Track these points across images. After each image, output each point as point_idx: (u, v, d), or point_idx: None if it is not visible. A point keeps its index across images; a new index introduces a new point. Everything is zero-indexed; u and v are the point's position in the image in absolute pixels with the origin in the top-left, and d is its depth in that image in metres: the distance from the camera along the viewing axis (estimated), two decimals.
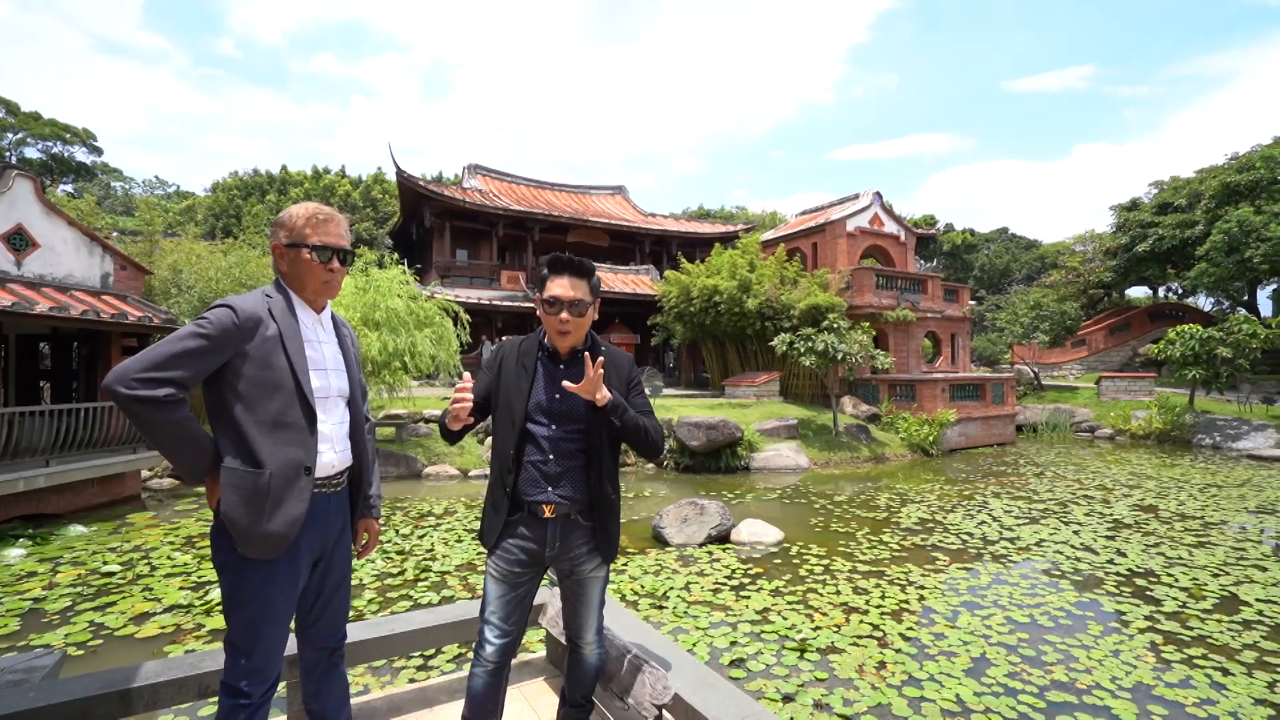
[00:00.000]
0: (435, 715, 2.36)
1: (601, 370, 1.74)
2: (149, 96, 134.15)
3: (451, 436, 1.90)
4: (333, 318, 1.86)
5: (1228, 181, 22.44)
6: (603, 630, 2.04)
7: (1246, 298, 24.73)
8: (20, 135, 33.73)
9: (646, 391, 2.01)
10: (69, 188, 35.08)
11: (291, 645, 1.90)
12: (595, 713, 2.15)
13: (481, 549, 6.42)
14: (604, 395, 1.76)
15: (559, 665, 2.69)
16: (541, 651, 2.82)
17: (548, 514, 1.81)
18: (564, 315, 1.80)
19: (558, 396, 1.85)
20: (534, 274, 1.92)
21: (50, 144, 35.23)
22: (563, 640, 2.13)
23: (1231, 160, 24.25)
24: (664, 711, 1.82)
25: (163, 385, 1.43)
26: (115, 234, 17.99)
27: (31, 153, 34.43)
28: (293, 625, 1.82)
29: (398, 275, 12.11)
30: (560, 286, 1.81)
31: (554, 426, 1.84)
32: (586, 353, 1.85)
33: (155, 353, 1.46)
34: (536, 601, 2.61)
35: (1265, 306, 25.81)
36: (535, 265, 1.92)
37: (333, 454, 1.72)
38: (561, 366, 1.88)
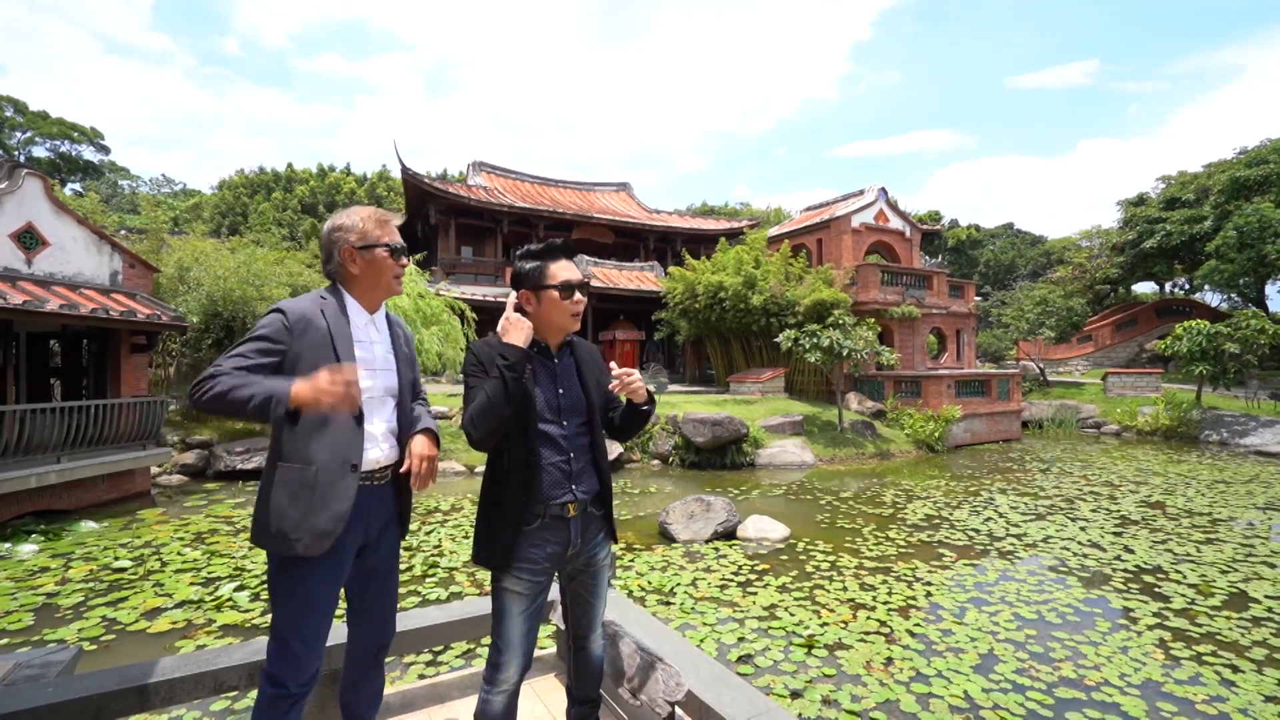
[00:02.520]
0: (447, 710, 2.38)
1: (636, 376, 1.80)
2: (155, 96, 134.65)
3: (492, 433, 1.72)
4: (388, 317, 1.91)
5: (1237, 176, 22.25)
6: (604, 621, 2.05)
7: (1255, 293, 24.54)
8: (29, 134, 33.92)
9: (651, 388, 2.04)
10: (77, 186, 35.28)
11: (339, 634, 2.00)
12: (607, 709, 2.16)
13: None
14: (645, 393, 1.83)
15: None
16: (551, 648, 2.83)
17: (571, 512, 1.79)
18: (578, 297, 1.80)
19: (561, 392, 1.83)
20: (517, 272, 1.85)
21: (58, 143, 35.44)
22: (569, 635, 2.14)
23: (1240, 155, 24.05)
24: (676, 708, 1.83)
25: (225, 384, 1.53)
26: (123, 231, 18.08)
27: (39, 151, 34.63)
28: (343, 615, 1.92)
29: (412, 273, 12.19)
30: (566, 270, 1.81)
31: (565, 423, 1.81)
32: (611, 362, 1.89)
33: (225, 363, 1.56)
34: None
35: (1274, 302, 25.67)
36: (516, 259, 1.90)
37: (378, 451, 1.77)
38: (556, 361, 1.86)
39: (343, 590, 1.84)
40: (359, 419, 1.73)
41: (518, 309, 1.78)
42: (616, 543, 2.00)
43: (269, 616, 4.99)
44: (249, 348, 1.60)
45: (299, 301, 1.71)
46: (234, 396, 1.48)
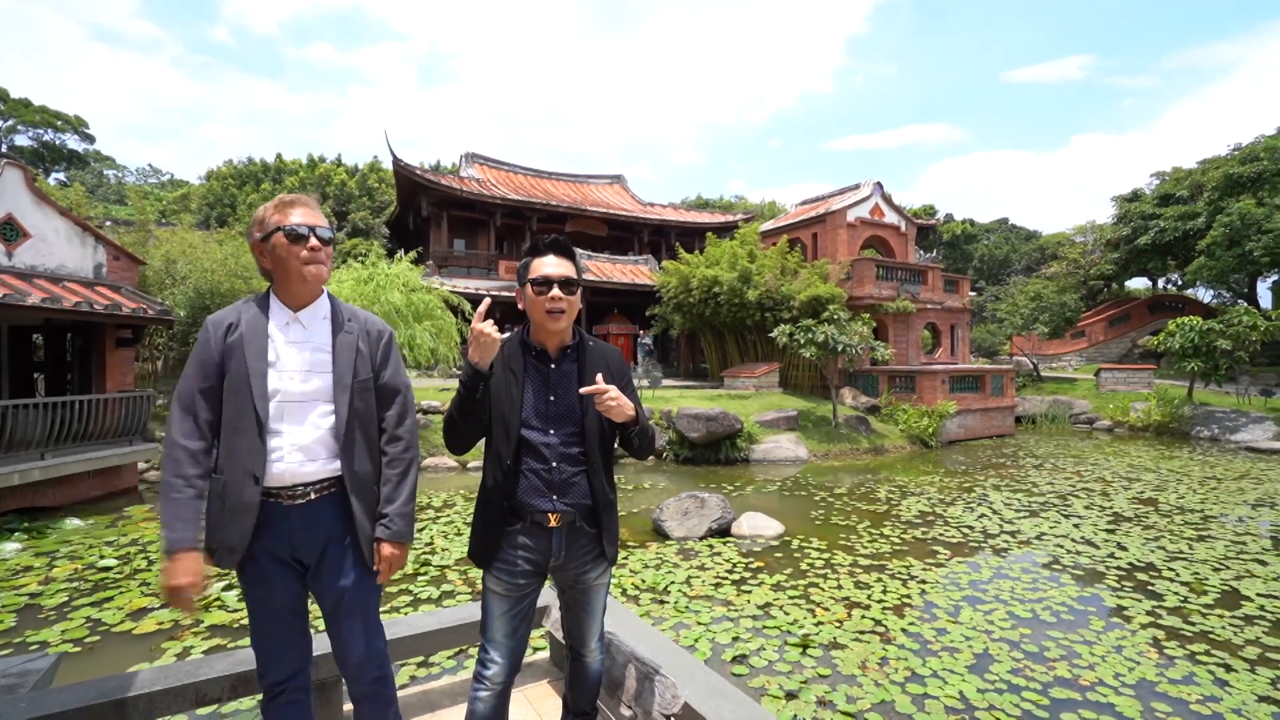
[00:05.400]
0: (438, 719, 2.33)
1: (614, 394, 1.66)
2: (145, 85, 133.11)
3: (459, 444, 1.77)
4: (335, 313, 1.74)
5: (1230, 173, 22.33)
6: (604, 635, 1.99)
7: (1246, 290, 24.71)
8: (10, 122, 33.30)
9: (645, 383, 1.96)
10: (61, 176, 34.72)
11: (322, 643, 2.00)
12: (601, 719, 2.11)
13: None
14: (630, 412, 1.70)
15: (562, 667, 2.66)
16: (544, 653, 2.78)
17: (553, 523, 1.73)
18: (555, 293, 1.71)
19: (551, 399, 1.76)
20: (518, 272, 1.82)
21: (41, 131, 34.82)
22: (565, 643, 2.09)
23: (1234, 151, 24.12)
24: None
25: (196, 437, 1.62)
26: (108, 223, 17.77)
27: (22, 140, 34.02)
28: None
29: (404, 269, 12.06)
30: (548, 265, 1.74)
31: (551, 432, 1.75)
32: (599, 374, 1.72)
33: (174, 411, 1.63)
34: (538, 604, 2.57)
35: (1265, 298, 25.82)
36: (520, 259, 1.83)
37: (288, 464, 1.61)
38: (553, 366, 1.79)
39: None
40: (259, 426, 1.59)
41: (488, 317, 1.65)
42: (614, 565, 1.91)
43: None
44: (191, 379, 1.63)
45: (222, 311, 1.69)
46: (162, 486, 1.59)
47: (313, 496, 1.65)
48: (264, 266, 1.69)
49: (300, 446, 1.63)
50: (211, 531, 1.60)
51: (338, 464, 1.67)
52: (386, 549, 1.69)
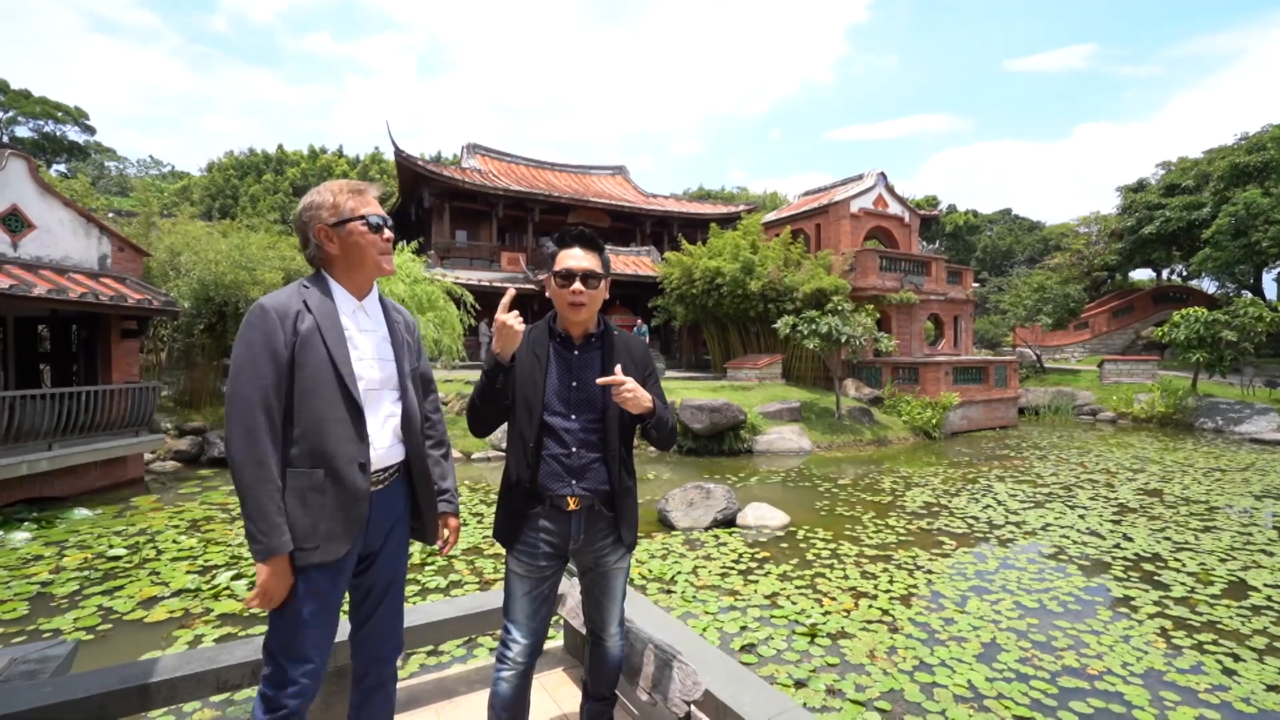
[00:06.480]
0: (455, 706, 2.34)
1: (631, 386, 1.67)
2: (144, 76, 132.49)
3: (480, 427, 1.82)
4: (381, 303, 1.76)
5: (1237, 162, 22.18)
6: (624, 621, 2.01)
7: (1252, 281, 24.60)
8: (10, 114, 33.14)
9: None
10: (62, 167, 34.62)
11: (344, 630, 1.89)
12: (620, 707, 2.12)
13: (487, 533, 6.41)
14: (647, 404, 1.71)
15: (577, 655, 2.67)
16: (559, 640, 2.79)
17: (571, 506, 1.77)
18: (576, 286, 1.74)
19: (574, 385, 1.80)
20: (541, 256, 1.85)
21: (41, 123, 34.64)
22: (581, 630, 2.10)
23: (1241, 141, 23.94)
24: (693, 708, 1.79)
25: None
26: (111, 214, 17.74)
27: (23, 132, 33.86)
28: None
29: (407, 260, 12.04)
30: (572, 258, 1.77)
31: (573, 417, 1.78)
32: (618, 363, 1.75)
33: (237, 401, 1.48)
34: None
35: (1270, 289, 25.81)
36: (540, 245, 1.83)
37: (375, 449, 1.63)
38: (576, 352, 1.82)
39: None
40: (358, 414, 1.57)
41: (512, 307, 1.69)
42: (633, 549, 1.92)
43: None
44: (263, 372, 1.48)
45: (278, 294, 1.56)
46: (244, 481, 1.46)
47: (388, 481, 1.68)
48: (328, 252, 1.62)
49: (380, 433, 1.64)
50: (310, 526, 1.50)
51: (403, 448, 1.71)
52: (453, 521, 1.88)
